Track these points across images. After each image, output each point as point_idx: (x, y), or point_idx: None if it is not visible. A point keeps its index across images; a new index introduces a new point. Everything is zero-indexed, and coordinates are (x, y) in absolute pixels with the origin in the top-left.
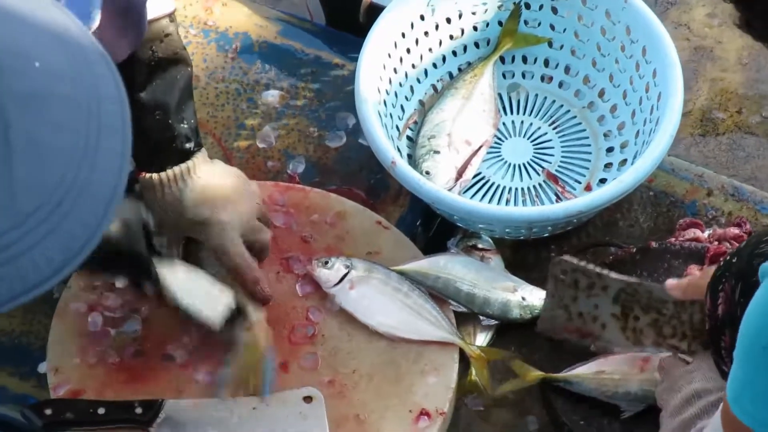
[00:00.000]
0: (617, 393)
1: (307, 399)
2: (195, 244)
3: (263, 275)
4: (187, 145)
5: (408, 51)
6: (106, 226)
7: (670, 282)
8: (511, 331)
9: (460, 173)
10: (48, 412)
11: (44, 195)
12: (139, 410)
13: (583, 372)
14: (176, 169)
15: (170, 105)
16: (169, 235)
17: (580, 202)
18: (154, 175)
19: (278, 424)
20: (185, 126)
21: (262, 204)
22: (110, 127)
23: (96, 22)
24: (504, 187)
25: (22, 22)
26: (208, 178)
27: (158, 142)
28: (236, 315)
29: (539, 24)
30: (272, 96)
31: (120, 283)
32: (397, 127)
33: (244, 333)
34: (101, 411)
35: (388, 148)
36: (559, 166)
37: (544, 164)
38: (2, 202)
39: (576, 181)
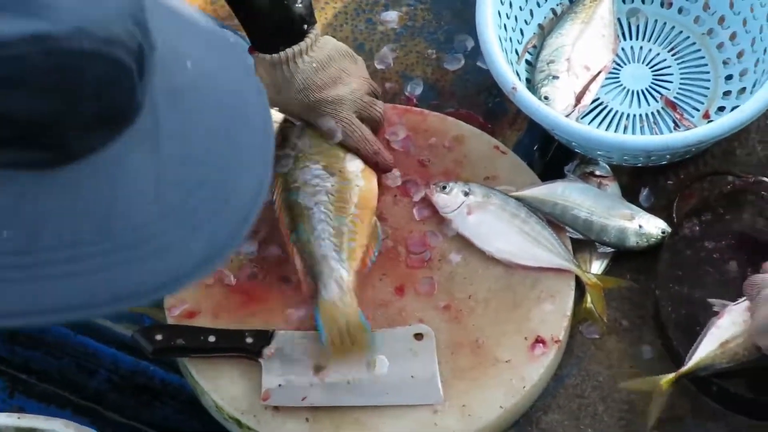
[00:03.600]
0: (753, 355)
1: (418, 336)
2: None
3: (381, 145)
4: (303, 26)
5: None
6: (246, 231)
7: None
8: (627, 259)
9: (578, 99)
10: (158, 337)
11: (187, 189)
12: (249, 340)
13: (709, 352)
14: (289, 51)
15: None
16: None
17: (700, 131)
18: (267, 56)
19: (388, 360)
20: (299, 5)
21: (369, 79)
22: (253, 127)
23: None
24: (621, 113)
25: (182, 21)
26: (320, 58)
27: (273, 24)
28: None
29: None
30: (391, 17)
31: None
32: (516, 51)
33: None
34: (212, 339)
35: (509, 73)
36: (677, 93)
37: (663, 91)
38: (148, 194)
39: (694, 108)
